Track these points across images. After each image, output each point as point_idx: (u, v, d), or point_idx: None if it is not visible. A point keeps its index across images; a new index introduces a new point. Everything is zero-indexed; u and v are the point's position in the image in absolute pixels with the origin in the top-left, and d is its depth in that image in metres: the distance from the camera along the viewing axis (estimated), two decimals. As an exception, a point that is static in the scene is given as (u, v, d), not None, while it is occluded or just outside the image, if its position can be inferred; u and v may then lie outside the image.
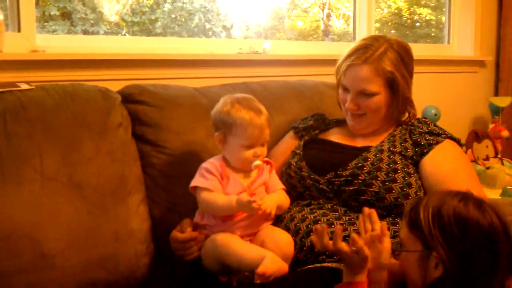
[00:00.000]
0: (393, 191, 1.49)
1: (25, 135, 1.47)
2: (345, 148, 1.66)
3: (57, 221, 1.44)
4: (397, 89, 1.62)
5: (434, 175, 1.54)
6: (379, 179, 1.50)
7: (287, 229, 1.50)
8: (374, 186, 1.49)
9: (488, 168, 2.98)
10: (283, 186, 1.56)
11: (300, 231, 1.47)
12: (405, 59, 1.63)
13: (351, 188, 1.51)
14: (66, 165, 1.50)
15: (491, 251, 1.07)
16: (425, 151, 1.58)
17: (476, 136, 3.14)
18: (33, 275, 1.38)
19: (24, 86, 1.59)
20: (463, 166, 1.60)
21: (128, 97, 1.76)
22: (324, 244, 1.19)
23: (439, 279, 1.08)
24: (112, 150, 1.60)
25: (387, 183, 1.49)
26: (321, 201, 1.56)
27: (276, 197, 1.50)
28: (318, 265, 1.40)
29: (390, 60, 1.60)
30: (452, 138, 1.64)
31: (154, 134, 1.72)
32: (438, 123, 3.01)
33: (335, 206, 1.53)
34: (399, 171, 1.52)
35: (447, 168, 1.56)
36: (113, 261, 1.51)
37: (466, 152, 3.08)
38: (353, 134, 1.72)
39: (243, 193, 1.41)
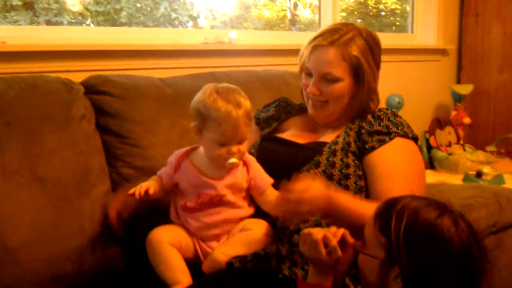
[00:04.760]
0: None
1: (-15, 128, 1.44)
2: (299, 148, 1.59)
3: (21, 215, 1.42)
4: (362, 78, 1.55)
5: (375, 169, 1.47)
6: None
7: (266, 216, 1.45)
8: None
9: (450, 154, 3.06)
10: (271, 181, 1.46)
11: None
12: (373, 49, 1.58)
13: None
14: (28, 159, 1.48)
15: (458, 274, 1.00)
16: (375, 146, 1.50)
17: (439, 123, 3.21)
18: (-4, 269, 1.36)
19: (-16, 78, 1.56)
20: (408, 164, 1.51)
21: (91, 88, 1.74)
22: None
23: None
24: (75, 142, 1.59)
25: None
26: None
27: None
28: None
29: (357, 46, 1.54)
30: (405, 136, 1.53)
31: (118, 125, 1.71)
32: (401, 111, 3.07)
33: None
34: (351, 176, 1.47)
35: (389, 164, 1.47)
36: (78, 255, 1.50)
37: (429, 139, 3.15)
38: (314, 123, 1.67)
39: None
